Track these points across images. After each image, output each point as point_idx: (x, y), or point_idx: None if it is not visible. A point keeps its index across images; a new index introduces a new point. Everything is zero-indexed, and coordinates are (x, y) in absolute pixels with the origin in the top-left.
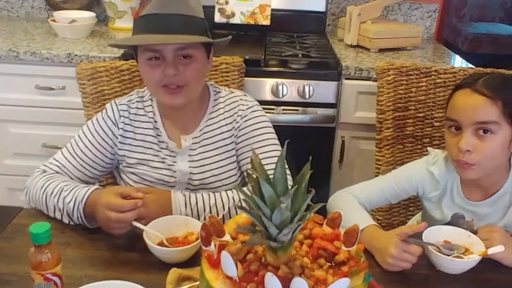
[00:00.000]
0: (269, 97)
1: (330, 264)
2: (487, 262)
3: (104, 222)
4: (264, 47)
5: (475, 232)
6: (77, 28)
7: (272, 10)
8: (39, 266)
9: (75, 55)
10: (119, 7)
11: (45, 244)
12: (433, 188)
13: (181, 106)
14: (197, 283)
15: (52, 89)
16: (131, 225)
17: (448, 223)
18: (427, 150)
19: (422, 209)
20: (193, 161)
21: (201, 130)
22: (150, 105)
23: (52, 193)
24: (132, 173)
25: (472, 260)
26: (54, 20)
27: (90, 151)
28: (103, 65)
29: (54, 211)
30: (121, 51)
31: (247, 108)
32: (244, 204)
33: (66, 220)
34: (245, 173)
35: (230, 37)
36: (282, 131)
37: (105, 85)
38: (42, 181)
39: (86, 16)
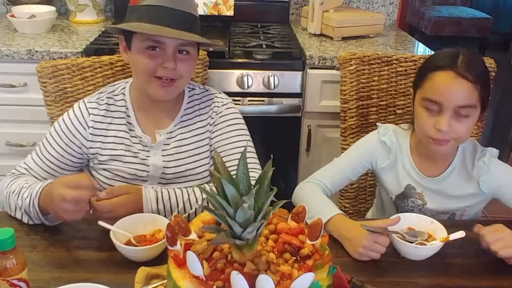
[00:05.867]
0: (234, 88)
1: (295, 258)
2: (450, 248)
3: (58, 203)
4: (228, 38)
5: (425, 203)
6: (37, 23)
7: (235, 0)
8: (4, 272)
9: (36, 51)
10: (80, 0)
11: (9, 250)
12: (385, 157)
13: (168, 99)
14: (165, 281)
15: (13, 86)
16: (86, 212)
17: (402, 194)
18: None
19: (377, 192)
20: (168, 155)
21: (176, 125)
22: (123, 99)
23: (14, 191)
24: (105, 169)
25: (434, 246)
26: (13, 15)
27: (57, 151)
28: (64, 63)
29: (15, 210)
30: (83, 46)
31: (222, 105)
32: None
33: (25, 219)
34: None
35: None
36: (249, 122)
37: (67, 83)
38: (7, 182)
39: (46, 10)
